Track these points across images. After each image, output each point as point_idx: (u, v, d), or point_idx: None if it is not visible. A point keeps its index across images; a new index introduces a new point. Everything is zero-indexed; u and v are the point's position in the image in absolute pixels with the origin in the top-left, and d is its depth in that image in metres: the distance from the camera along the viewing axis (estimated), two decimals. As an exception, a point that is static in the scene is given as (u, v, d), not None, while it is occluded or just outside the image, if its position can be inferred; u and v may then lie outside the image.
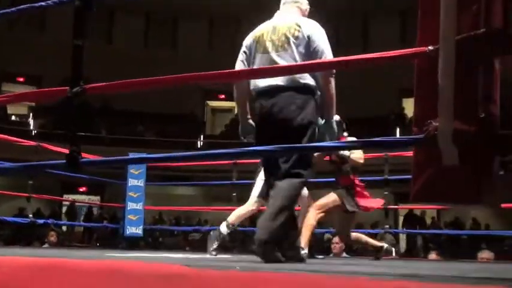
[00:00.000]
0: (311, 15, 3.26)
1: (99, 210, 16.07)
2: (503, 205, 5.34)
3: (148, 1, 18.71)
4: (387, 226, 6.59)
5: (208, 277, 0.86)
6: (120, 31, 19.80)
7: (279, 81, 2.93)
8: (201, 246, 13.42)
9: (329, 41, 2.97)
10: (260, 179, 4.41)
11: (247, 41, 3.10)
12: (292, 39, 2.93)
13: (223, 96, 20.71)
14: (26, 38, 17.27)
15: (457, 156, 1.60)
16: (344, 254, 7.31)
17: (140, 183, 7.46)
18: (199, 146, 17.47)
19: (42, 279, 0.91)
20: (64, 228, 14.49)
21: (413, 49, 1.73)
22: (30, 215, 6.58)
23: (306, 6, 3.26)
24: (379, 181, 6.47)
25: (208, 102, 20.96)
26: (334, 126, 3.00)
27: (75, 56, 2.13)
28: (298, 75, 2.89)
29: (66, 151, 2.10)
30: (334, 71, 2.90)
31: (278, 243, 2.86)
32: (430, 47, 1.67)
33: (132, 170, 7.40)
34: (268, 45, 2.97)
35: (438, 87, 1.62)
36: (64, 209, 16.27)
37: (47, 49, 16.80)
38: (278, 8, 3.24)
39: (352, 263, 3.84)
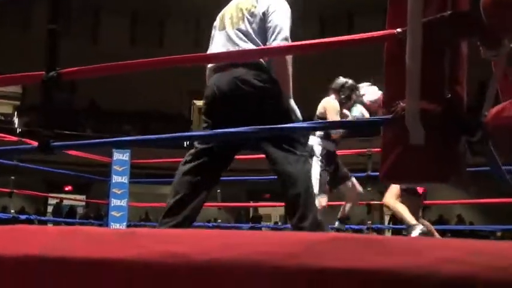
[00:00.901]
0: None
1: (85, 209, 16.01)
2: (487, 200, 5.39)
3: (135, 0, 18.71)
4: (369, 222, 6.63)
5: (161, 234, 0.88)
6: (106, 31, 19.73)
7: None
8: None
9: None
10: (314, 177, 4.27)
11: (216, 20, 3.05)
12: (247, 15, 2.84)
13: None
14: (10, 36, 17.17)
15: (423, 136, 1.63)
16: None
17: (124, 179, 7.46)
18: (185, 145, 17.45)
19: (2, 240, 0.93)
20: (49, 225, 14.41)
21: (383, 32, 1.76)
22: (12, 211, 6.55)
23: None
24: (362, 177, 6.51)
25: (195, 101, 20.96)
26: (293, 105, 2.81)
27: (50, 40, 2.14)
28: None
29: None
30: (288, 39, 2.74)
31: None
32: (399, 30, 1.70)
33: (116, 166, 7.40)
34: (227, 22, 2.89)
35: (406, 69, 1.65)
36: (49, 209, 16.20)
37: (30, 46, 16.70)
38: None
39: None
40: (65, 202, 15.91)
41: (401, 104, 1.66)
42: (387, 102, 1.74)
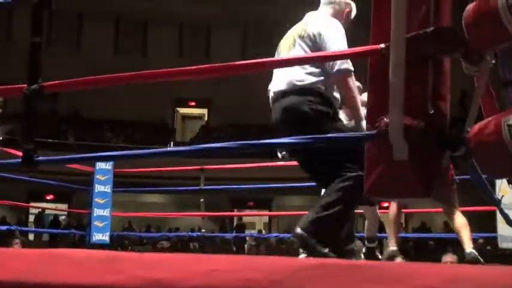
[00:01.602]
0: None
1: (67, 219, 15.84)
2: (466, 208, 5.43)
3: (118, 8, 18.65)
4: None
5: (144, 259, 0.87)
6: (89, 38, 19.63)
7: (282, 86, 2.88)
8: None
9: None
10: None
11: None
12: (297, 39, 2.83)
13: (193, 103, 20.69)
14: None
15: (407, 151, 1.63)
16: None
17: (107, 189, 7.38)
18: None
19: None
20: (31, 236, 14.25)
21: (367, 47, 1.77)
22: (-6, 222, 6.46)
23: (344, 7, 3.04)
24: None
25: (179, 109, 20.90)
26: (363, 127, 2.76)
27: (32, 53, 2.11)
28: (296, 78, 2.78)
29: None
30: (348, 68, 2.63)
31: (324, 237, 2.69)
32: (382, 45, 1.71)
33: (99, 176, 7.32)
34: (283, 47, 2.91)
35: (389, 84, 1.66)
36: (31, 218, 16.01)
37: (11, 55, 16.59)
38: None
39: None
40: (49, 211, 15.74)
41: (385, 119, 1.66)
42: (371, 117, 1.74)
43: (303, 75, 2.81)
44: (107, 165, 7.36)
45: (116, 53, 19.81)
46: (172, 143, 17.98)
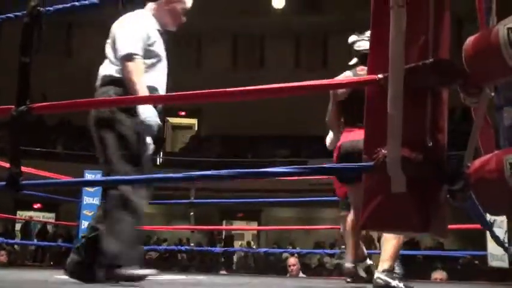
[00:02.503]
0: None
1: (54, 228, 15.68)
2: (455, 226, 5.41)
3: (110, 15, 18.58)
4: (343, 246, 6.60)
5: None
6: (81, 45, 19.55)
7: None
8: (158, 264, 13.24)
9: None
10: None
11: None
12: (108, 41, 3.00)
13: (183, 113, 20.63)
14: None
15: (405, 184, 1.60)
16: (301, 274, 7.31)
17: (95, 201, 7.29)
18: (158, 163, 17.29)
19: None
20: (17, 246, 14.07)
21: (364, 77, 1.74)
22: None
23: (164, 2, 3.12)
24: (335, 201, 6.48)
25: (169, 118, 20.83)
26: (147, 121, 2.73)
27: (21, 74, 2.07)
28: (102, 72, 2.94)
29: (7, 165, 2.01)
30: (129, 52, 2.80)
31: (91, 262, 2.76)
32: (380, 75, 1.68)
33: (88, 187, 7.24)
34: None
35: (387, 115, 1.62)
36: (17, 226, 15.83)
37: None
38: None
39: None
40: (35, 220, 15.58)
41: (383, 151, 1.63)
42: (368, 148, 1.71)
43: (107, 67, 2.92)
44: (96, 177, 7.28)
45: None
46: (161, 152, 17.89)
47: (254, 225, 16.97)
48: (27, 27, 2.11)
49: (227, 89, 1.76)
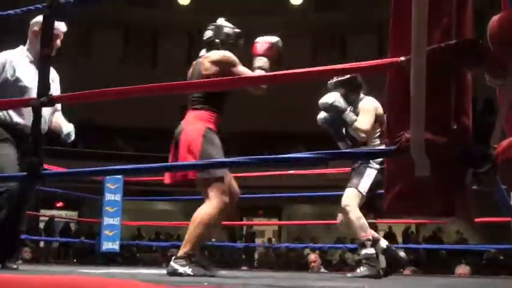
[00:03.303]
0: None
1: (77, 226, 15.85)
2: (480, 219, 5.34)
3: (128, 17, 18.71)
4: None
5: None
6: (99, 45, 19.72)
7: None
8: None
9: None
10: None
11: None
12: None
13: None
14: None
15: (429, 167, 1.57)
16: (322, 270, 7.28)
17: (117, 197, 7.35)
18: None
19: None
20: (41, 244, 14.24)
21: (386, 60, 1.71)
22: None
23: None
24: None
25: (188, 116, 20.86)
26: None
27: (42, 65, 2.08)
28: None
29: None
30: None
31: None
32: (402, 58, 1.65)
33: (109, 184, 7.29)
34: None
35: (410, 98, 1.60)
36: (41, 225, 16.02)
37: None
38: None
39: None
40: (57, 219, 15.76)
41: (406, 134, 1.60)
42: (390, 132, 1.68)
43: None
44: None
45: (123, 62, 19.83)
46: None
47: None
48: (48, 19, 2.12)
49: (249, 75, 1.75)
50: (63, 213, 16.92)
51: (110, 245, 7.30)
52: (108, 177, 7.23)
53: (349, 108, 3.95)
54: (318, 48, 19.86)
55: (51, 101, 2.01)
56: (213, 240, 7.78)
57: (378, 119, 3.91)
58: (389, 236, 14.56)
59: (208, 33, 3.67)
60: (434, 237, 14.06)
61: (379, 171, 3.80)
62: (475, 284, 3.40)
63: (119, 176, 7.33)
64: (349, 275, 4.03)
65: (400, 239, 14.76)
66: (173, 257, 3.22)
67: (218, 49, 3.56)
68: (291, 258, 13.60)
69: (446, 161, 1.57)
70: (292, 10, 19.61)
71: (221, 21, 3.75)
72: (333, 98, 3.94)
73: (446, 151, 1.57)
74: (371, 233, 3.85)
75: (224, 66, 3.44)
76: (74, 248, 14.38)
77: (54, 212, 16.35)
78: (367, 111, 3.91)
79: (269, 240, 16.52)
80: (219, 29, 3.66)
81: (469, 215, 1.63)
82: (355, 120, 3.89)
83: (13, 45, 3.54)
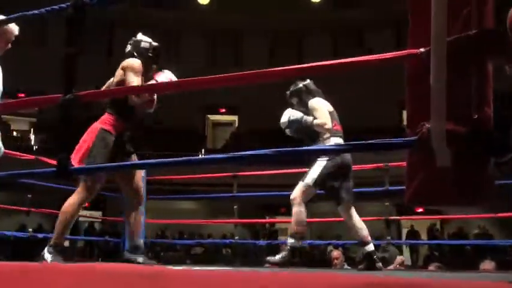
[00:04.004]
0: None
1: (101, 226, 16.02)
2: (504, 214, 5.30)
3: (149, 16, 18.85)
4: (389, 238, 6.52)
5: (191, 275, 0.84)
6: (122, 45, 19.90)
7: None
8: (203, 260, 13.38)
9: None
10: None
11: None
12: None
13: (224, 110, 20.75)
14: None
15: (450, 158, 1.58)
16: (345, 266, 7.27)
17: (141, 196, 7.42)
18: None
19: (32, 281, 0.89)
20: (66, 243, 14.42)
21: (405, 51, 1.72)
22: (30, 229, 6.55)
23: None
24: (379, 192, 6.41)
25: (209, 116, 20.97)
26: None
27: (67, 64, 2.12)
28: None
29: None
30: None
31: None
32: (422, 49, 1.66)
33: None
34: None
35: (430, 89, 1.60)
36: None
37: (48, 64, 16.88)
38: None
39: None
40: (83, 218, 15.94)
41: (427, 125, 1.61)
42: (410, 123, 1.69)
43: None
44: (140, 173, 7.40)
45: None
46: (203, 150, 18.03)
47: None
48: (72, 18, 2.17)
49: (269, 69, 1.77)
50: (87, 213, 17.12)
51: (134, 243, 7.36)
52: (131, 176, 7.31)
53: (303, 115, 4.34)
54: (338, 45, 19.81)
55: (76, 98, 2.06)
56: (236, 238, 7.78)
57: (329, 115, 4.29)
58: (412, 233, 14.46)
59: (127, 47, 3.96)
60: (458, 233, 13.92)
61: (326, 165, 4.14)
62: (500, 279, 3.37)
63: (142, 175, 7.39)
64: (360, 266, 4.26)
65: (424, 236, 14.65)
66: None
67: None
68: (314, 255, 13.58)
69: (467, 151, 1.58)
70: (312, 7, 19.59)
71: (140, 36, 4.03)
72: (287, 115, 4.41)
73: (468, 141, 1.57)
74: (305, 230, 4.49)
75: (126, 72, 3.63)
76: (98, 247, 14.53)
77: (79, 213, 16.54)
78: (319, 108, 4.28)
79: (292, 238, 16.44)
80: (136, 43, 3.94)
81: (490, 204, 1.63)
82: (313, 120, 4.25)
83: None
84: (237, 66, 19.16)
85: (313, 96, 4.43)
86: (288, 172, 8.26)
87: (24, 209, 6.27)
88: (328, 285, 0.75)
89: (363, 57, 1.77)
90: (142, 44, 3.91)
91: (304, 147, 1.88)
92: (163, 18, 19.13)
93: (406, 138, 1.67)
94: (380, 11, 18.35)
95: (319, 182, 4.22)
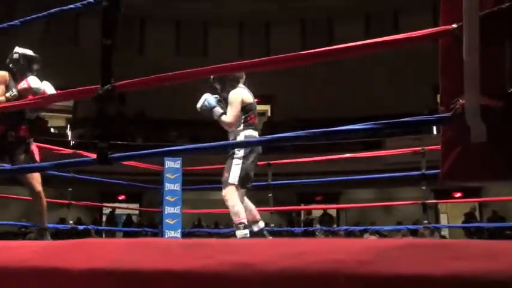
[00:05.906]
0: None
1: (138, 218, 16.29)
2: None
3: (178, 10, 18.98)
4: (426, 221, 6.48)
5: (230, 243, 0.88)
6: (151, 41, 20.09)
7: None
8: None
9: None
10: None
11: None
12: None
13: (256, 100, 20.79)
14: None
15: (485, 132, 1.58)
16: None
17: (177, 187, 7.55)
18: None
19: (73, 253, 0.94)
20: (104, 235, 14.72)
21: (438, 28, 1.72)
22: (71, 221, 6.72)
23: None
24: (416, 176, 6.37)
25: (241, 106, 20.99)
26: None
27: (104, 55, 2.18)
28: None
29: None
30: None
31: None
32: (454, 25, 1.66)
33: (168, 174, 7.49)
34: None
35: (463, 65, 1.60)
36: (104, 218, 16.56)
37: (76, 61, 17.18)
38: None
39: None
40: (120, 211, 16.25)
41: (461, 101, 1.61)
42: (445, 99, 1.69)
43: None
44: (176, 164, 7.53)
45: (177, 55, 20.15)
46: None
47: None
48: (107, 10, 2.22)
49: (300, 52, 1.80)
50: (124, 205, 17.43)
51: (172, 233, 7.50)
52: (167, 167, 7.44)
53: (219, 105, 4.54)
54: (370, 26, 19.64)
55: (114, 89, 2.11)
56: (272, 225, 7.83)
57: (245, 107, 4.46)
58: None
59: (7, 60, 4.42)
60: (497, 216, 13.71)
61: (244, 162, 4.33)
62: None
63: (178, 166, 7.52)
64: None
65: (459, 220, 14.48)
66: None
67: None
68: (350, 242, 13.53)
69: (503, 125, 1.58)
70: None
71: (16, 49, 4.42)
72: (201, 102, 4.63)
73: (503, 115, 1.57)
74: (252, 217, 4.60)
75: None
76: (137, 238, 14.81)
77: (116, 205, 16.85)
78: (232, 103, 4.43)
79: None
80: (11, 55, 4.39)
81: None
82: (221, 114, 4.48)
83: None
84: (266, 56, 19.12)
85: (237, 85, 4.54)
86: (322, 159, 8.28)
87: (66, 202, 6.43)
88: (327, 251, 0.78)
89: (396, 36, 1.77)
90: (15, 56, 4.37)
91: (333, 128, 1.90)
92: (189, 9, 19.23)
93: (440, 115, 1.67)
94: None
95: (244, 178, 4.42)
